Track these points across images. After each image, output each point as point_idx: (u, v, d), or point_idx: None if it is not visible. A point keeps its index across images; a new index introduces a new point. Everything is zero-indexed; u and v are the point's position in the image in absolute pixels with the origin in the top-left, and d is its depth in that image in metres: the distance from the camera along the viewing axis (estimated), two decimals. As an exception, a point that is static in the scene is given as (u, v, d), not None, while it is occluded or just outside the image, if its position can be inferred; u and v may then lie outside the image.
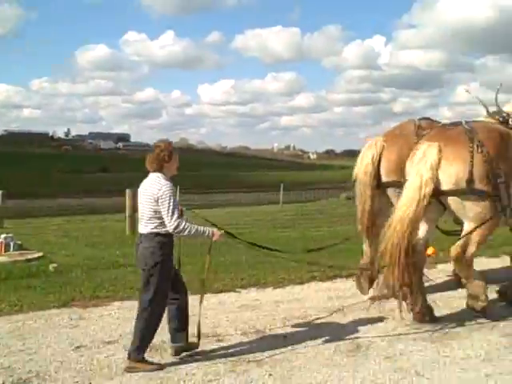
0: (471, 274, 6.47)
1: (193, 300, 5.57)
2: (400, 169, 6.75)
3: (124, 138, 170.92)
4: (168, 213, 4.91)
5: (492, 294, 6.90)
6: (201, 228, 5.12)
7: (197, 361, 5.24)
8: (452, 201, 6.27)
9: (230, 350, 5.51)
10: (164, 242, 5.04)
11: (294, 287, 8.21)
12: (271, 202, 28.35)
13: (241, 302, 7.31)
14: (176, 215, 4.93)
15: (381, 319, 6.48)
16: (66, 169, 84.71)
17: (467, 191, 6.10)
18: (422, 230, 6.38)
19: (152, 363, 5.09)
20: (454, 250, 6.38)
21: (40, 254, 10.37)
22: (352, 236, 8.21)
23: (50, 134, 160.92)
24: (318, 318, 6.61)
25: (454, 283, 8.04)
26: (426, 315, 6.33)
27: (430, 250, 8.02)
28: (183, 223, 4.96)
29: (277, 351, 5.47)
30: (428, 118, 7.69)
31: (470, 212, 6.26)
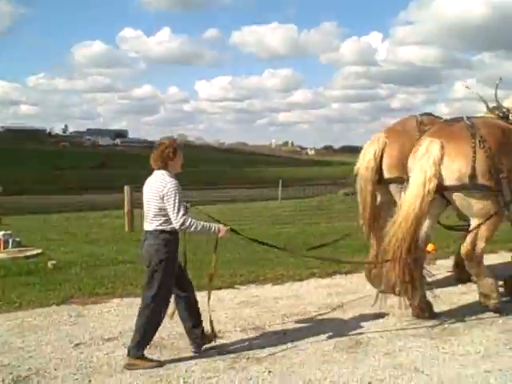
0: (481, 271, 6.49)
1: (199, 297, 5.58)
2: (402, 164, 6.76)
3: (122, 134, 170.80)
4: (174, 210, 4.92)
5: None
6: (207, 224, 5.13)
7: (196, 358, 5.24)
8: (456, 197, 6.28)
9: (229, 347, 5.51)
10: (169, 239, 5.05)
11: (294, 284, 8.21)
12: (269, 198, 28.35)
13: (240, 299, 7.31)
14: (182, 212, 4.95)
15: (380, 315, 6.47)
16: (63, 165, 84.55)
17: (470, 187, 6.11)
18: (424, 225, 6.38)
19: (151, 360, 5.09)
20: (464, 248, 6.41)
21: (39, 250, 10.37)
22: (352, 232, 8.20)
23: (48, 131, 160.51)
24: (317, 315, 6.61)
25: (454, 279, 8.06)
26: (425, 311, 6.34)
27: (429, 247, 8.03)
28: (189, 220, 4.97)
29: (276, 348, 5.47)
30: (430, 114, 7.71)
31: (474, 208, 6.29)
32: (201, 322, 5.42)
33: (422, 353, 5.33)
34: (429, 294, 6.49)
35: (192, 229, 5.00)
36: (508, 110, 7.14)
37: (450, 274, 8.31)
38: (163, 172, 5.10)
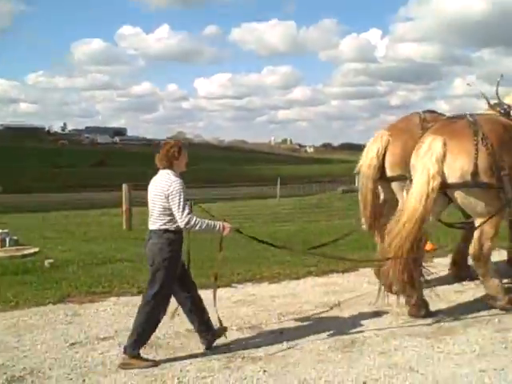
0: (488, 271, 6.52)
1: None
2: (405, 162, 6.77)
3: (121, 132, 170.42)
4: (179, 209, 4.95)
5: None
6: (211, 222, 5.17)
7: (191, 357, 5.23)
8: (459, 195, 6.29)
9: (224, 346, 5.50)
10: (173, 238, 5.08)
11: (290, 282, 8.21)
12: (269, 196, 28.34)
13: (236, 297, 7.31)
14: (187, 211, 4.98)
15: (376, 314, 6.47)
16: (62, 163, 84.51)
17: (472, 184, 6.12)
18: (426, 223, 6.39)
19: (147, 360, 5.09)
20: (472, 248, 6.45)
21: (36, 249, 10.36)
22: (352, 231, 8.18)
23: (47, 129, 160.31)
24: (313, 314, 6.60)
25: (450, 277, 8.06)
26: (421, 310, 6.34)
27: (428, 246, 8.03)
28: (194, 218, 5.01)
29: (272, 347, 5.47)
30: (433, 111, 7.72)
31: (477, 207, 6.31)
32: (208, 318, 5.45)
33: (417, 352, 5.32)
34: (427, 293, 6.51)
35: (197, 227, 5.04)
36: (509, 106, 7.15)
37: (447, 272, 8.29)
38: (168, 171, 5.13)
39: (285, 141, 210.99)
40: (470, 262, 8.09)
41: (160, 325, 5.29)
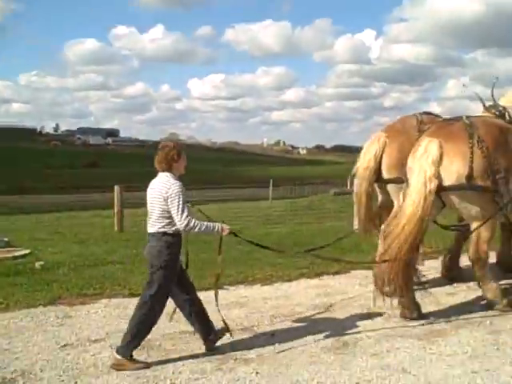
0: (486, 274, 6.59)
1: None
2: (401, 165, 6.80)
3: (113, 133, 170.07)
4: (178, 211, 4.97)
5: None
6: (210, 224, 5.20)
7: (183, 359, 5.22)
8: (454, 198, 6.32)
9: (217, 348, 5.48)
10: (171, 241, 5.09)
11: (282, 284, 8.20)
12: (260, 198, 28.33)
13: (229, 300, 7.27)
14: (186, 213, 4.99)
15: (368, 316, 6.48)
16: (55, 164, 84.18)
17: (467, 187, 6.16)
18: None
19: (139, 361, 5.08)
20: (470, 252, 6.54)
21: (27, 251, 10.30)
22: (350, 233, 8.17)
23: (39, 130, 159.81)
24: (305, 315, 6.60)
25: (442, 280, 8.09)
26: (413, 312, 6.35)
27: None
28: (193, 221, 5.02)
29: (264, 349, 5.47)
30: (430, 113, 7.76)
31: (472, 210, 6.36)
32: (209, 320, 5.47)
33: (409, 353, 5.34)
34: (419, 295, 6.53)
35: (196, 229, 5.06)
36: (504, 108, 7.18)
37: (438, 274, 8.32)
38: (167, 174, 5.14)
39: (277, 142, 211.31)
40: (461, 264, 8.19)
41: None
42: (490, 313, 6.51)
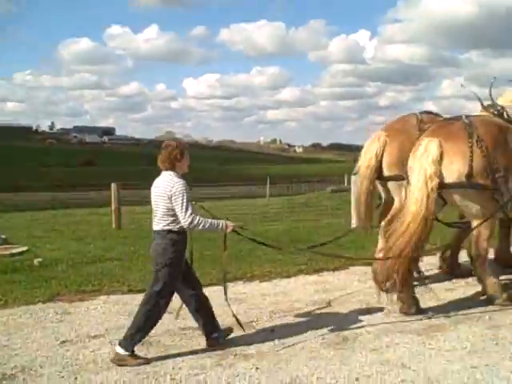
0: (485, 270, 6.62)
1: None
2: (401, 163, 6.85)
3: (109, 131, 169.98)
4: (182, 209, 4.99)
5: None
6: (214, 221, 5.23)
7: (183, 355, 5.22)
8: (455, 197, 6.36)
9: (215, 343, 5.48)
10: (176, 239, 5.12)
11: (281, 280, 8.20)
12: (257, 196, 28.35)
13: (227, 296, 7.27)
14: (190, 211, 5.01)
15: (367, 312, 6.49)
16: (51, 162, 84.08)
17: (467, 185, 6.20)
18: None
19: (140, 357, 5.07)
20: (471, 249, 6.59)
21: (25, 248, 10.29)
22: (349, 230, 8.18)
23: (34, 128, 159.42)
24: (304, 311, 6.60)
25: (441, 275, 8.12)
26: (412, 307, 6.36)
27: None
28: (197, 218, 5.05)
29: (263, 345, 5.47)
30: (429, 112, 7.79)
31: (472, 208, 6.41)
32: (214, 317, 5.50)
33: (408, 349, 5.34)
34: (418, 290, 6.55)
35: (200, 227, 5.09)
36: (502, 107, 7.20)
37: (437, 270, 8.35)
38: (171, 173, 5.16)
39: (274, 141, 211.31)
40: (460, 260, 8.21)
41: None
42: (489, 308, 6.53)
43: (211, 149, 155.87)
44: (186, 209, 4.99)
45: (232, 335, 5.70)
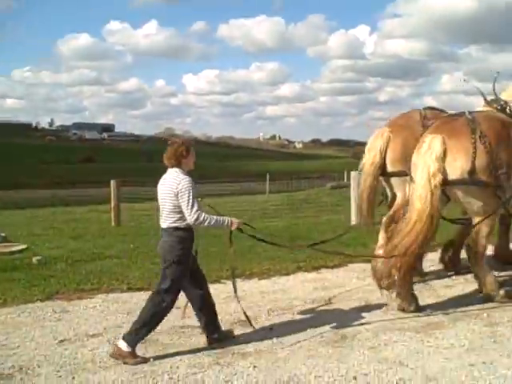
0: (483, 267, 6.62)
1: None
2: (405, 159, 6.88)
3: (109, 128, 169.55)
4: (188, 205, 5.01)
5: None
6: (220, 218, 5.26)
7: (181, 353, 5.22)
8: (457, 193, 6.35)
9: (214, 342, 5.49)
10: (183, 236, 5.13)
11: (280, 278, 8.20)
12: (257, 192, 28.34)
13: (226, 294, 7.26)
14: (196, 207, 5.03)
15: (366, 309, 6.49)
16: (50, 159, 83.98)
17: (470, 182, 6.20)
18: None
19: (138, 356, 5.06)
20: (470, 245, 6.58)
21: (24, 246, 10.29)
22: (350, 228, 8.18)
23: (34, 125, 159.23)
24: (303, 309, 6.60)
25: (440, 272, 8.11)
26: (410, 304, 6.36)
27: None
28: (203, 215, 5.07)
29: (262, 343, 5.46)
30: (433, 108, 7.79)
31: (474, 205, 6.40)
32: (216, 317, 5.51)
33: (406, 346, 5.34)
34: (417, 287, 6.55)
35: (206, 223, 5.10)
36: (505, 102, 7.19)
37: (436, 267, 8.34)
38: (177, 170, 5.18)
39: (273, 137, 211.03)
40: (461, 256, 8.20)
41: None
42: (487, 305, 6.53)
43: (210, 145, 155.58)
44: (192, 205, 5.00)
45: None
